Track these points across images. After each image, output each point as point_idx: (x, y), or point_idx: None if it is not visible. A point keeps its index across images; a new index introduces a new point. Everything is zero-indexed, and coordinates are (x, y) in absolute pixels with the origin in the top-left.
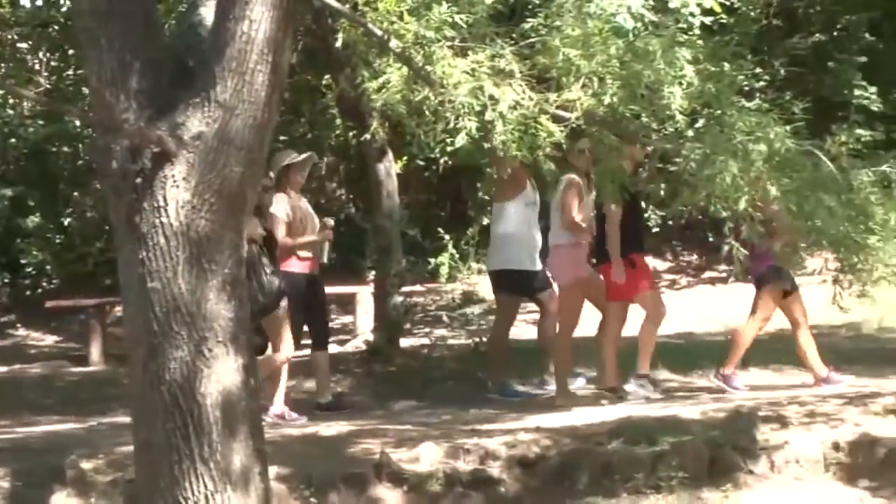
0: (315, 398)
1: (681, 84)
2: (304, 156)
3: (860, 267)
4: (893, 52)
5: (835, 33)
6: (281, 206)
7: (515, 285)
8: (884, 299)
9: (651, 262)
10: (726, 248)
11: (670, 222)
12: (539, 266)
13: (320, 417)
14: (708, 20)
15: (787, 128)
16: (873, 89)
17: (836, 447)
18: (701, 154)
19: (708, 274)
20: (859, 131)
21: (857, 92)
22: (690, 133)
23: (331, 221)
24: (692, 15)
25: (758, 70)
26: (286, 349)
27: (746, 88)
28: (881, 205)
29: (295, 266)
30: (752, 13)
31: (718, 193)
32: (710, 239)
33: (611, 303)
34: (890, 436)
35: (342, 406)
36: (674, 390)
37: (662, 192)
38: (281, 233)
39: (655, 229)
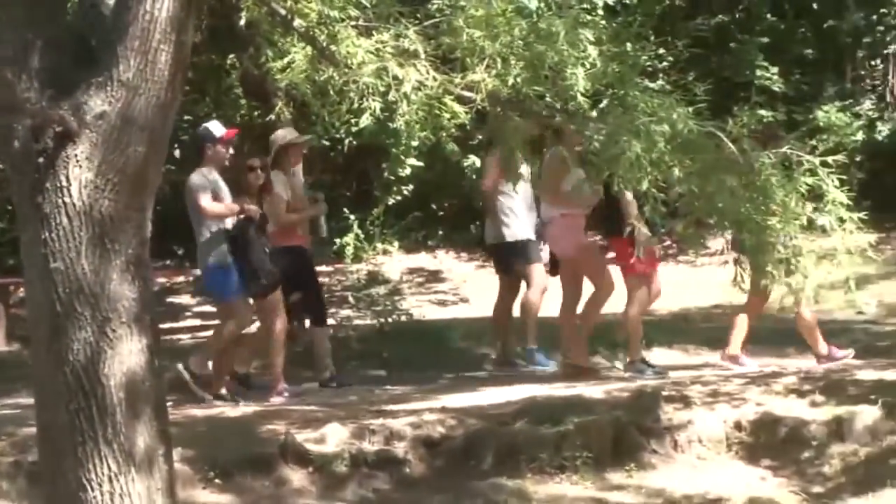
0: (316, 376)
1: (584, 65)
2: (304, 137)
3: (760, 248)
4: (795, 33)
5: (737, 14)
6: (280, 184)
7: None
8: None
9: None
10: (627, 229)
11: None
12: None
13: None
14: (611, 1)
15: (690, 109)
16: (775, 70)
17: (739, 426)
18: (604, 134)
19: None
20: (761, 112)
21: (758, 73)
22: (594, 114)
23: (321, 195)
24: None
25: (661, 51)
26: (282, 324)
27: (649, 69)
28: (782, 186)
29: (296, 241)
30: None
31: (622, 174)
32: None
33: (627, 277)
34: (791, 415)
35: (343, 382)
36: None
37: None
38: (282, 210)
39: None
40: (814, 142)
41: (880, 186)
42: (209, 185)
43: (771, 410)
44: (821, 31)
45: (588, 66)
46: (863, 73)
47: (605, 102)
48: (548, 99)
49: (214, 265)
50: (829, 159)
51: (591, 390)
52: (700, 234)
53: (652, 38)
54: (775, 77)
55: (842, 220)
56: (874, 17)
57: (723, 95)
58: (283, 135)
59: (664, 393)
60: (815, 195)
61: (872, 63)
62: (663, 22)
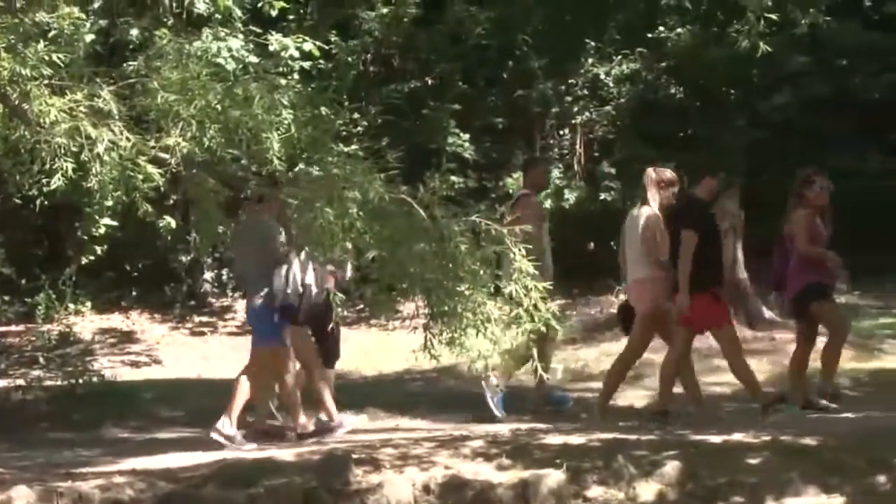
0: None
1: (279, 129)
2: None
3: (450, 314)
4: (485, 101)
5: (430, 81)
6: None
7: None
8: (473, 346)
9: None
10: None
11: None
12: None
13: None
14: (307, 65)
15: (383, 175)
16: (466, 137)
17: (427, 489)
18: (298, 199)
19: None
20: (453, 178)
21: (450, 139)
22: (289, 177)
23: None
24: (292, 59)
25: (355, 116)
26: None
27: (344, 134)
28: (471, 254)
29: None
30: (350, 59)
31: (314, 239)
32: None
33: (676, 329)
34: (478, 478)
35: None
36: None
37: None
38: None
39: None
40: (503, 209)
41: (569, 253)
42: None
43: (459, 473)
44: (511, 99)
45: (283, 130)
46: (551, 141)
47: (300, 166)
48: (243, 162)
49: None
50: (517, 228)
51: (282, 453)
52: (391, 299)
53: (346, 103)
54: (467, 144)
55: (527, 289)
56: (562, 87)
57: (415, 161)
58: None
59: (354, 456)
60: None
61: (561, 132)
62: (358, 87)
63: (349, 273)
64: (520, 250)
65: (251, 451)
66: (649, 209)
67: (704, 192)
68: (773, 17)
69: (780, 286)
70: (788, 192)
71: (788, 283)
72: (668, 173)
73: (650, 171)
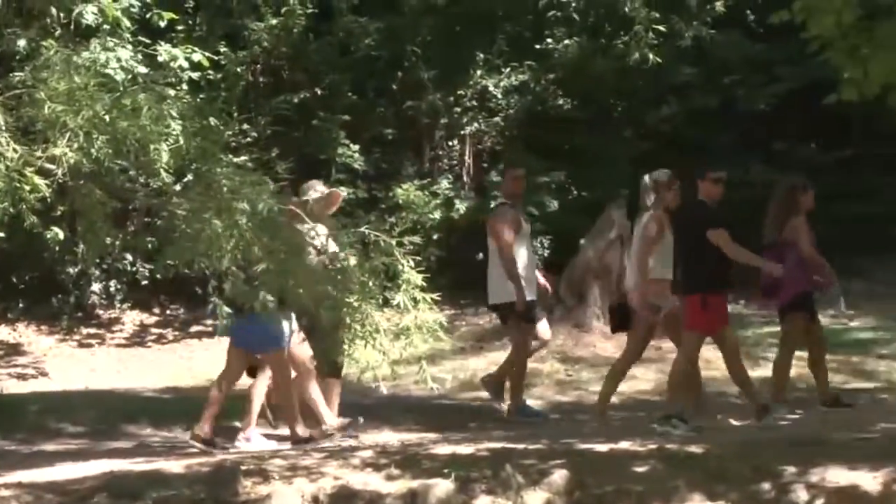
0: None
1: (167, 140)
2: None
3: (339, 326)
4: (375, 112)
5: (319, 92)
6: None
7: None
8: (362, 356)
9: (139, 316)
10: (212, 304)
11: (158, 276)
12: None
13: None
14: (196, 75)
15: (272, 186)
16: (356, 148)
17: (316, 500)
18: (187, 210)
19: (195, 328)
20: (342, 189)
21: (340, 150)
22: (178, 188)
23: None
24: (181, 69)
25: (244, 126)
26: None
27: (233, 145)
28: (360, 265)
29: None
30: (239, 70)
31: (203, 250)
32: (199, 292)
33: (686, 332)
34: (367, 489)
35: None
36: (158, 445)
37: (150, 246)
38: None
39: (144, 282)
40: (393, 219)
41: (457, 263)
42: None
43: (348, 484)
44: (400, 110)
45: (172, 140)
46: (441, 152)
47: (189, 177)
48: (131, 173)
49: None
50: (406, 239)
51: (171, 465)
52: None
53: (235, 113)
54: (356, 155)
55: (416, 301)
56: (451, 98)
57: (305, 172)
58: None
59: (243, 467)
60: (393, 274)
61: (450, 143)
62: (247, 98)
63: None
64: (408, 262)
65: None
66: (650, 213)
67: (705, 195)
68: (661, 28)
69: (772, 293)
70: (775, 200)
71: (784, 289)
72: (664, 175)
73: (646, 178)
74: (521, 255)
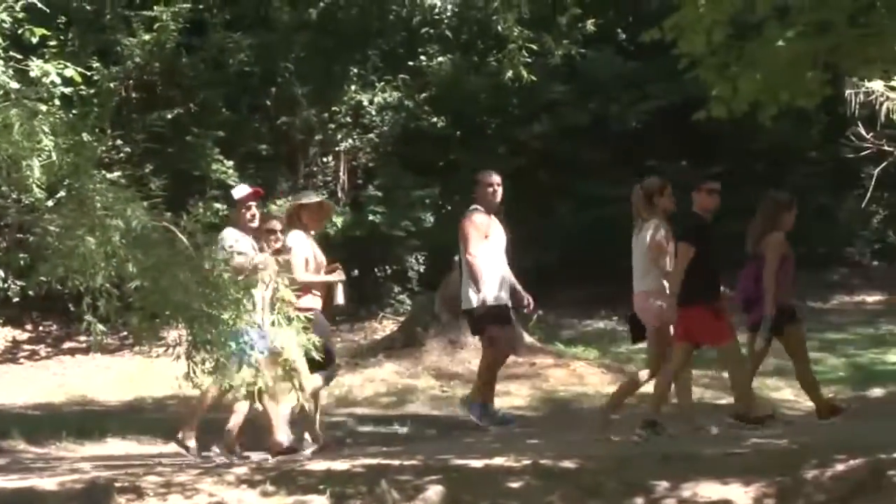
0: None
1: (39, 155)
2: (317, 199)
3: (213, 342)
4: (249, 128)
5: (192, 108)
6: (300, 243)
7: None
8: (235, 374)
9: (11, 332)
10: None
11: (31, 292)
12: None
13: None
14: (68, 91)
15: (146, 203)
16: (230, 164)
17: None
18: (59, 226)
19: (68, 344)
20: (217, 205)
21: (214, 166)
22: (50, 204)
23: (338, 265)
24: (53, 85)
25: (118, 142)
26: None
27: (106, 161)
28: (234, 282)
29: (313, 302)
30: (112, 85)
31: (76, 267)
32: (72, 309)
33: (679, 344)
34: None
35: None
36: (31, 461)
37: (22, 262)
38: (302, 269)
39: (16, 299)
40: None
41: None
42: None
43: (223, 501)
44: (275, 126)
45: (44, 156)
46: (315, 168)
47: (61, 194)
48: (3, 189)
49: None
50: (280, 258)
51: (45, 482)
52: (155, 327)
53: (109, 129)
54: (231, 171)
55: (290, 319)
56: (326, 114)
57: (179, 189)
58: (298, 196)
59: (117, 484)
60: None
61: (325, 159)
62: (120, 114)
63: None
64: (282, 280)
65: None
66: (652, 222)
67: (699, 207)
68: (533, 46)
69: (750, 308)
70: (760, 212)
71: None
72: (655, 182)
73: (636, 188)
74: (492, 259)
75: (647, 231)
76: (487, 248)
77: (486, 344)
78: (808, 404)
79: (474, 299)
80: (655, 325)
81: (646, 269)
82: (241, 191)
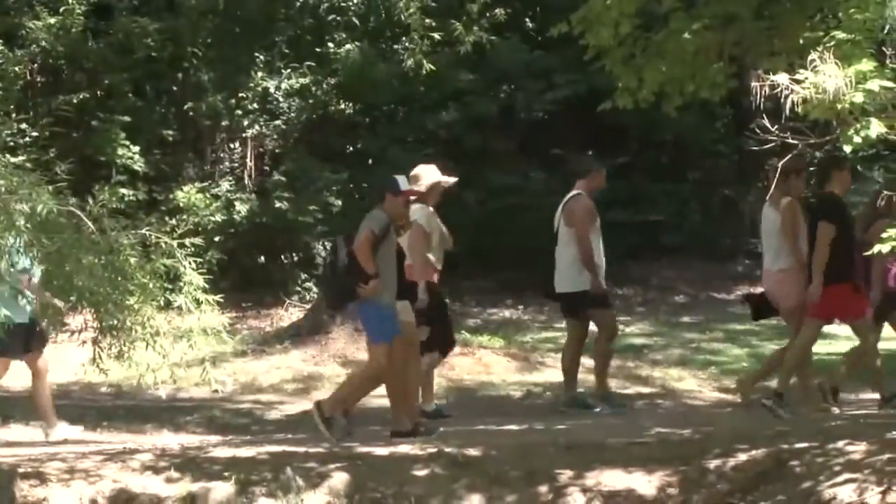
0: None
1: None
2: (452, 179)
3: (119, 328)
4: (155, 113)
5: (99, 92)
6: (424, 217)
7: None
8: (142, 359)
9: None
10: None
11: None
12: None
13: None
14: None
15: (51, 187)
16: (136, 149)
17: None
18: None
19: None
20: (122, 190)
21: (120, 151)
22: None
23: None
24: None
25: (23, 126)
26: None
27: (11, 145)
28: (141, 267)
29: (430, 276)
30: (17, 69)
31: None
32: None
33: (812, 320)
34: (147, 492)
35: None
36: None
37: None
38: (424, 244)
39: None
40: (174, 221)
41: (238, 266)
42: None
43: (127, 487)
44: (181, 112)
45: None
46: (222, 154)
47: None
48: None
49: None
50: (187, 241)
51: None
52: (60, 312)
53: (13, 113)
54: (137, 156)
55: (198, 302)
56: (232, 100)
57: (84, 174)
58: (429, 172)
59: (20, 470)
60: (174, 276)
61: (231, 145)
62: (25, 97)
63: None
64: (190, 263)
65: None
66: (787, 200)
67: (837, 186)
68: (437, 35)
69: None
70: (870, 199)
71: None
72: (793, 162)
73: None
74: (596, 245)
75: (782, 210)
76: (594, 234)
77: (594, 324)
78: (713, 394)
79: (586, 282)
80: (793, 304)
81: (779, 247)
82: (404, 184)
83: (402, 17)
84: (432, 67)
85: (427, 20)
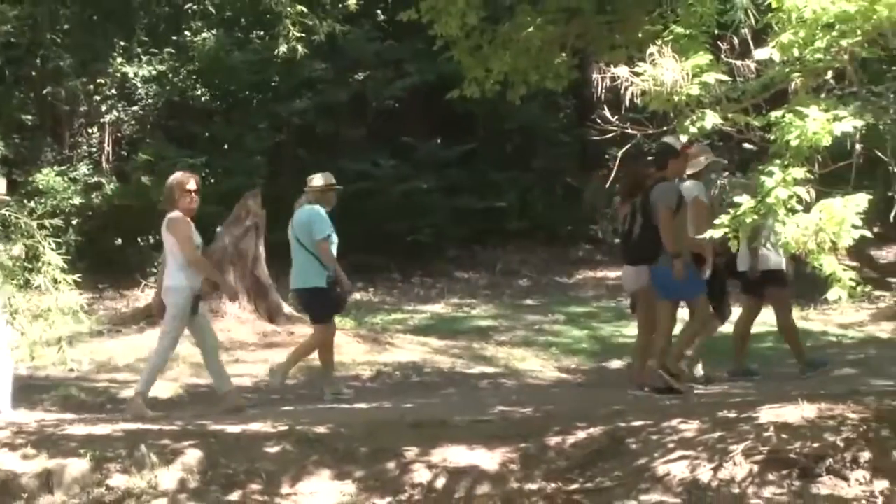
0: None
1: None
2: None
3: None
4: (14, 98)
5: None
6: (700, 191)
7: None
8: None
9: None
10: None
11: None
12: None
13: None
14: None
15: None
16: None
17: None
18: None
19: None
20: None
21: None
22: None
23: None
24: None
25: None
26: None
27: None
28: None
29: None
30: None
31: None
32: None
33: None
34: (3, 468)
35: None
36: None
37: None
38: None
39: None
40: (32, 204)
41: (96, 248)
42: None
43: None
44: (40, 97)
45: None
46: (80, 139)
47: None
48: None
49: None
50: (47, 222)
51: None
52: None
53: None
54: None
55: (56, 282)
56: (91, 86)
57: None
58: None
59: None
60: (33, 256)
61: (90, 130)
62: None
63: None
64: (49, 244)
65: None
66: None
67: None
68: (308, 22)
69: None
70: None
71: None
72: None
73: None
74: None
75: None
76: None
77: (769, 302)
78: (553, 374)
79: (781, 262)
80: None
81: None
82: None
83: (272, 5)
84: (306, 51)
85: (296, 7)
